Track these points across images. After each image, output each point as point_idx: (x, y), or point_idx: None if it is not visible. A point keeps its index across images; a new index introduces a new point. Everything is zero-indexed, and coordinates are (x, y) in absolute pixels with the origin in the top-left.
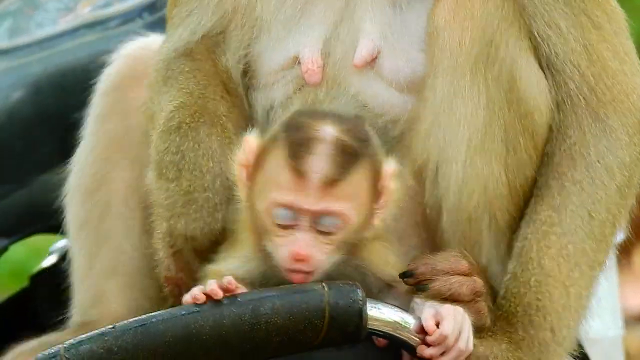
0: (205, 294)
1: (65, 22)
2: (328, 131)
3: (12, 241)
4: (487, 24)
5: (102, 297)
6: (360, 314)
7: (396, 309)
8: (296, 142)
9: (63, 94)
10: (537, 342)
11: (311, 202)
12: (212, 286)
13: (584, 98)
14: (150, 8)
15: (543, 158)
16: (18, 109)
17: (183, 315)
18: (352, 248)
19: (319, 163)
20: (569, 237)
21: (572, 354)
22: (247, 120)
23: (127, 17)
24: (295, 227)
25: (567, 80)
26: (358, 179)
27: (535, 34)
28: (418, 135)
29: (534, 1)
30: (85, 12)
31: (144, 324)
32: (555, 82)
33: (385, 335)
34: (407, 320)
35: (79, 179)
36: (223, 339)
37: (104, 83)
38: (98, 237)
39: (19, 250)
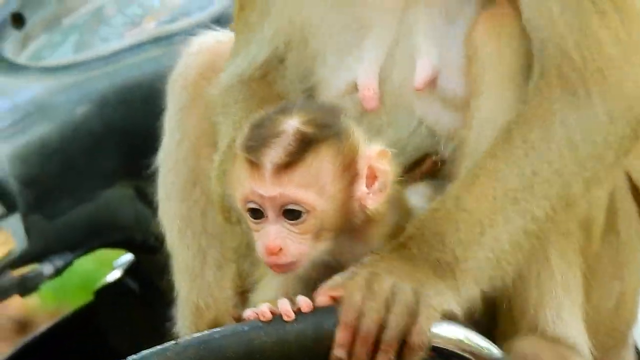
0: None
1: (131, 37)
2: (289, 123)
3: (76, 255)
4: (521, 37)
5: (218, 291)
6: None
7: (460, 325)
8: (252, 138)
9: (128, 109)
10: (433, 260)
11: (266, 188)
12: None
13: (559, 72)
14: (216, 22)
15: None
16: (83, 123)
17: (245, 331)
18: (352, 233)
19: (271, 151)
20: (501, 182)
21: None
22: None
23: (192, 32)
24: (265, 221)
25: (548, 53)
26: (317, 164)
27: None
28: (466, 151)
29: None
30: (150, 27)
31: (207, 340)
32: (537, 52)
33: (449, 352)
34: (471, 337)
35: (174, 176)
36: (286, 355)
37: (181, 77)
38: (206, 233)
39: (84, 264)
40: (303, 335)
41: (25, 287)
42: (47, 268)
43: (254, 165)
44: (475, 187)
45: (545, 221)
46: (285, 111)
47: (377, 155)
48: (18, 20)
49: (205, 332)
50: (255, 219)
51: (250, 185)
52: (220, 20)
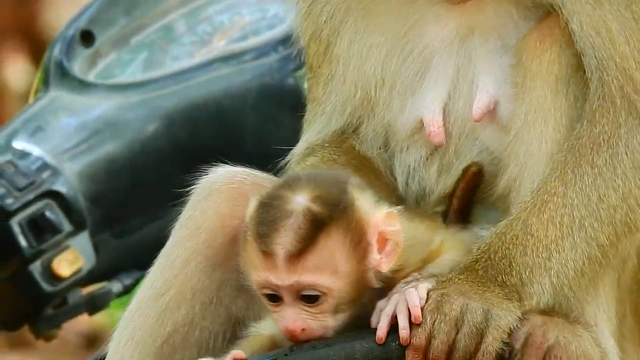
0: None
1: (200, 56)
2: (297, 201)
3: (144, 274)
4: (571, 53)
5: None
6: None
7: None
8: (262, 221)
9: (196, 127)
10: (501, 281)
11: (282, 278)
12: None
13: (623, 94)
14: (285, 41)
15: (570, 140)
16: (152, 141)
17: (315, 350)
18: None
19: (283, 238)
20: (568, 209)
21: None
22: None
23: (262, 51)
24: (283, 304)
25: (609, 74)
26: (330, 246)
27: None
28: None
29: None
30: (220, 46)
31: (275, 358)
32: (594, 70)
33: None
34: None
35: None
36: None
37: (191, 222)
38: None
39: None
40: (370, 354)
41: (94, 305)
42: (115, 286)
43: (266, 253)
44: (544, 214)
45: (610, 247)
46: (291, 187)
47: (385, 219)
48: (87, 38)
49: (276, 350)
50: (272, 301)
51: (264, 274)
52: (290, 39)
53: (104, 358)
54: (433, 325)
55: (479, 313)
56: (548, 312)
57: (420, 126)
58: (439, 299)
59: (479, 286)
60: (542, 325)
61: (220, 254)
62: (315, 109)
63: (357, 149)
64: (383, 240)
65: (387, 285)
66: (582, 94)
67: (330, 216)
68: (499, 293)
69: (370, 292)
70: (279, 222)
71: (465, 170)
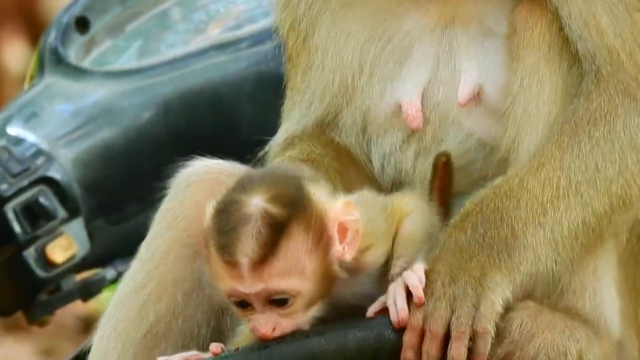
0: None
1: (196, 43)
2: (254, 204)
3: None
4: (557, 19)
5: None
6: None
7: None
8: (221, 230)
9: (192, 115)
10: (489, 240)
11: (248, 286)
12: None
13: (617, 80)
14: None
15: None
16: (147, 128)
17: (309, 339)
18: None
19: (245, 247)
20: (565, 172)
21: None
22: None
23: (258, 39)
24: (253, 310)
25: (600, 63)
26: (293, 248)
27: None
28: (514, 154)
29: None
30: (215, 34)
31: (268, 347)
32: (587, 58)
33: None
34: None
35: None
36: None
37: (170, 213)
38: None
39: None
40: (364, 343)
41: (88, 291)
42: (109, 273)
43: (230, 264)
44: (541, 173)
45: (603, 217)
46: (246, 189)
47: (343, 209)
48: (82, 25)
49: (268, 341)
50: (242, 308)
51: (230, 284)
52: None
53: (90, 350)
54: (429, 305)
55: (470, 292)
56: (548, 304)
57: (398, 110)
58: (430, 279)
59: (465, 258)
60: (527, 333)
61: (200, 243)
62: (294, 97)
63: (336, 140)
64: (343, 230)
65: (356, 269)
66: (576, 62)
67: (290, 216)
68: (485, 259)
69: (339, 281)
70: (239, 230)
71: (436, 162)
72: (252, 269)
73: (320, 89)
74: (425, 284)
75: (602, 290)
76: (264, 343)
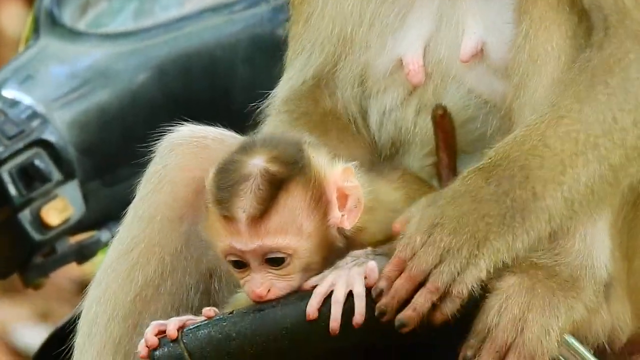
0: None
1: (191, 5)
2: (254, 164)
3: None
4: None
5: None
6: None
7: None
8: (221, 186)
9: (188, 77)
10: (509, 201)
11: (245, 242)
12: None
13: (626, 28)
14: None
15: (579, 62)
16: (142, 91)
17: (304, 301)
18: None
19: (243, 201)
20: (584, 126)
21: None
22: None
23: (252, 1)
24: (249, 270)
25: (607, 13)
26: (291, 206)
27: None
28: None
29: None
30: None
31: (262, 310)
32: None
33: None
34: None
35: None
36: (345, 325)
37: (155, 176)
38: None
39: None
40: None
41: (83, 254)
42: (105, 235)
43: (228, 219)
44: (560, 127)
45: (620, 169)
46: (247, 150)
47: (342, 175)
48: None
49: (263, 302)
50: (238, 268)
51: (228, 240)
52: None
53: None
54: (421, 247)
55: (464, 252)
56: (543, 271)
57: (399, 66)
58: (432, 222)
59: (477, 213)
60: (510, 319)
61: (185, 206)
62: (295, 45)
63: (326, 102)
64: (343, 197)
65: (352, 245)
66: (586, 15)
67: (289, 175)
68: (497, 222)
69: (337, 251)
70: (238, 186)
71: (434, 117)
72: (250, 224)
73: (321, 38)
74: (427, 224)
75: (594, 233)
76: (258, 306)
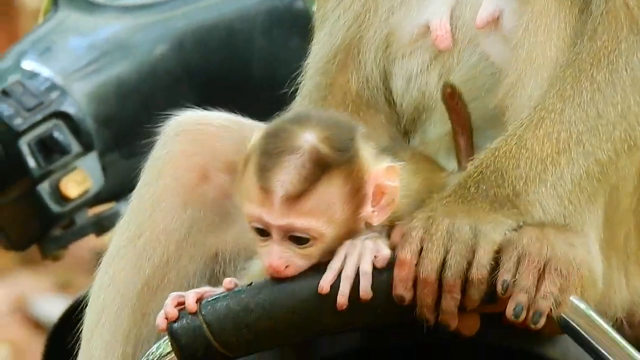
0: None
1: None
2: (305, 139)
3: None
4: None
5: None
6: None
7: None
8: (266, 153)
9: (206, 50)
10: (492, 195)
11: (275, 217)
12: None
13: (627, 8)
14: None
15: (569, 56)
16: (161, 63)
17: (321, 274)
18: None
19: (285, 176)
20: (566, 125)
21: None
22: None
23: None
24: (271, 241)
25: None
26: (329, 192)
27: None
28: (521, 91)
29: None
30: None
31: (281, 282)
32: None
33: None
34: None
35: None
36: (355, 302)
37: (159, 161)
38: None
39: None
40: (377, 277)
41: (102, 226)
42: (123, 207)
43: (265, 189)
44: (540, 129)
45: (608, 164)
46: (301, 122)
47: (385, 173)
48: None
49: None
50: (260, 235)
51: (258, 210)
52: None
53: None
54: (422, 246)
55: (467, 230)
56: (539, 225)
57: (426, 31)
58: (426, 220)
59: (466, 204)
60: (535, 240)
61: (189, 191)
62: (325, 8)
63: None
64: (380, 194)
65: (365, 228)
66: (587, 9)
67: (336, 160)
68: (488, 208)
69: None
70: (283, 156)
71: (443, 96)
72: (284, 201)
73: (348, 1)
74: (420, 226)
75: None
76: (277, 279)
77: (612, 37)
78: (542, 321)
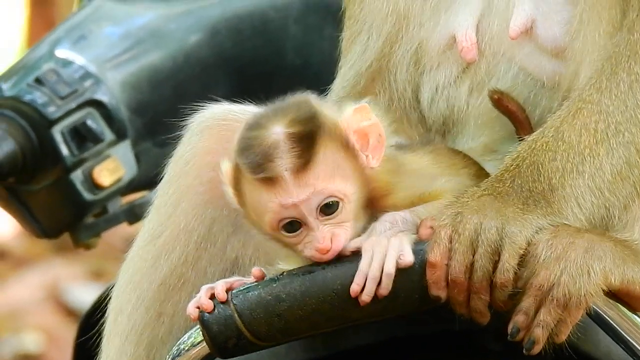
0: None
1: None
2: (276, 132)
3: None
4: None
5: None
6: None
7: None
8: (253, 159)
9: (239, 38)
10: (526, 191)
11: (295, 195)
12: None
13: None
14: None
15: (607, 48)
16: (195, 51)
17: (352, 264)
18: (373, 209)
19: (282, 162)
20: (603, 115)
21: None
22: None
23: None
24: (306, 229)
25: None
26: (327, 154)
27: None
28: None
29: None
30: None
31: (312, 272)
32: None
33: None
34: None
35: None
36: (394, 288)
37: (182, 159)
38: None
39: None
40: (410, 268)
41: (134, 214)
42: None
43: (271, 181)
44: (577, 120)
45: None
46: (260, 125)
47: (355, 117)
48: None
49: (312, 265)
50: (292, 232)
51: (276, 202)
52: None
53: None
54: (450, 244)
55: (493, 232)
56: (572, 231)
57: (453, 42)
58: (454, 217)
59: (499, 201)
60: (551, 258)
61: (211, 190)
62: (352, 27)
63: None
64: (364, 137)
65: (381, 210)
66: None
67: (312, 130)
68: (521, 206)
69: (373, 211)
70: (269, 154)
71: (494, 103)
72: (295, 177)
73: (378, 19)
74: (449, 223)
75: None
76: (307, 268)
77: None
78: (537, 349)
